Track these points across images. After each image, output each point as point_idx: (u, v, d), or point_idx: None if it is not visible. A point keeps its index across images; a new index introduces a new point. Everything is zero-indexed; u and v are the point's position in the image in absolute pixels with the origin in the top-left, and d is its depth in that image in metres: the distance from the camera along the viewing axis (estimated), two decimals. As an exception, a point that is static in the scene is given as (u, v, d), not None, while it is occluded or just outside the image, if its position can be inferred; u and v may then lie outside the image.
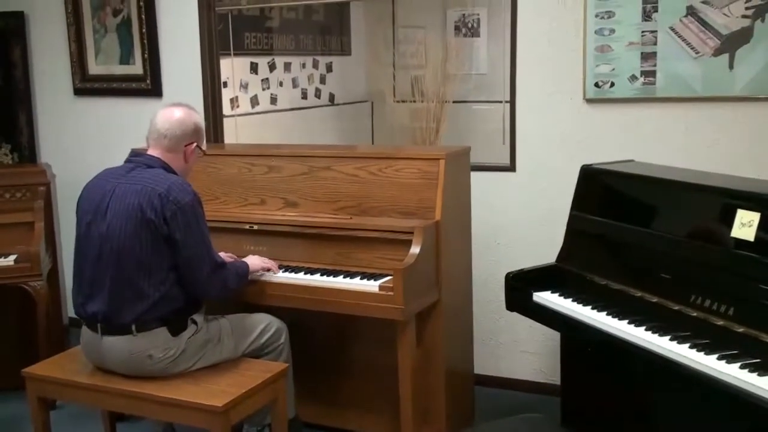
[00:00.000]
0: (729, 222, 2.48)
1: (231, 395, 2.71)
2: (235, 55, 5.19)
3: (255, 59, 5.53)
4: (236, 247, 3.32)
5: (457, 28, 6.19)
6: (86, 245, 2.87)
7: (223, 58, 4.77)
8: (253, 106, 5.50)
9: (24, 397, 3.03)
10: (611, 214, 2.95)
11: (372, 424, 3.44)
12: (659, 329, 2.52)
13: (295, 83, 5.98)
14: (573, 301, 2.88)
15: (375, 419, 3.43)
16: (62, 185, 4.40)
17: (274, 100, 5.73)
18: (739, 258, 2.43)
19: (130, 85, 4.70)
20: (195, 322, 2.90)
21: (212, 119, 4.55)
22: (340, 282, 3.06)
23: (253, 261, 3.14)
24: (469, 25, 6.15)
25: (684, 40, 3.38)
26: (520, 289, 3.08)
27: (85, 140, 4.87)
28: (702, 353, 2.34)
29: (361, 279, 3.04)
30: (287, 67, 5.88)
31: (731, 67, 3.32)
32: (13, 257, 3.87)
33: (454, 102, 5.70)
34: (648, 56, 3.46)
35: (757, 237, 2.39)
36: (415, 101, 5.81)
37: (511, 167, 3.83)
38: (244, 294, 3.15)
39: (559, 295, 2.94)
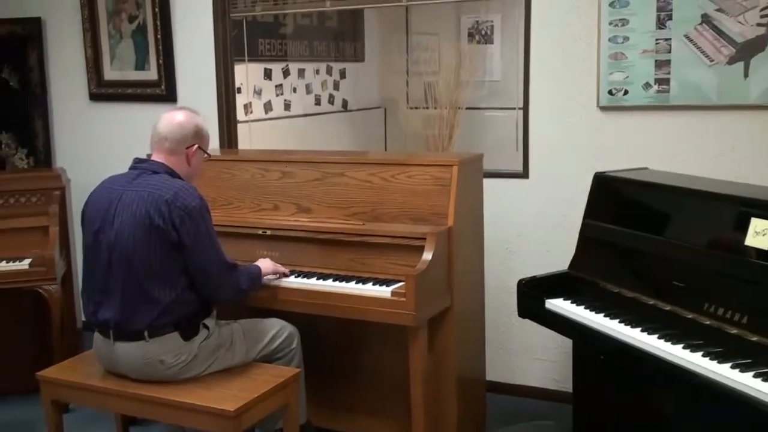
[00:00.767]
0: (743, 230, 2.47)
1: (243, 400, 2.72)
2: (250, 61, 5.22)
3: (269, 65, 5.56)
4: (249, 252, 3.33)
5: (470, 35, 6.21)
6: (95, 253, 2.88)
7: (238, 64, 4.79)
8: (266, 112, 5.52)
9: (38, 400, 3.05)
10: (625, 222, 2.94)
11: (383, 430, 3.44)
12: (672, 337, 2.51)
13: (308, 89, 6.01)
14: (586, 308, 2.87)
15: (386, 425, 3.42)
16: (77, 190, 4.42)
17: (287, 106, 5.75)
18: (753, 266, 2.41)
19: (144, 90, 4.73)
20: (207, 327, 2.91)
21: (226, 125, 4.57)
22: (352, 288, 3.06)
23: (265, 264, 3.14)
24: (483, 32, 6.16)
25: (698, 48, 3.38)
26: (532, 296, 3.08)
27: (100, 145, 4.90)
28: (715, 362, 2.33)
29: (373, 285, 3.04)
30: (301, 73, 5.90)
31: (746, 75, 3.31)
32: (27, 261, 3.89)
33: (467, 109, 5.71)
34: (662, 64, 3.45)
35: (771, 245, 2.38)
36: (428, 108, 5.83)
37: (524, 174, 3.83)
38: (256, 299, 3.16)
39: (572, 303, 2.94)
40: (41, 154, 5.03)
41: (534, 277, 3.15)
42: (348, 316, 3.06)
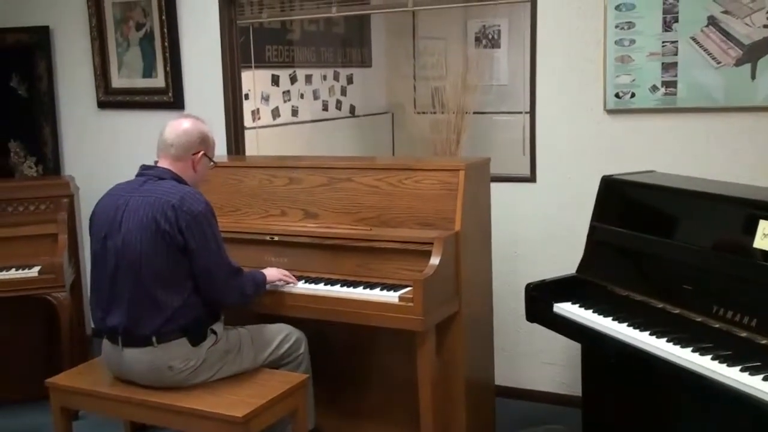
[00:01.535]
0: (751, 233, 2.46)
1: (251, 406, 2.72)
2: (257, 67, 5.24)
3: (276, 71, 5.57)
4: (257, 258, 3.33)
5: (477, 39, 6.21)
6: (102, 260, 2.89)
7: (245, 70, 4.81)
8: (274, 118, 5.54)
9: (47, 407, 3.05)
10: (632, 225, 2.93)
11: (392, 436, 3.44)
12: (681, 341, 2.49)
13: (316, 95, 6.02)
14: (594, 312, 2.86)
15: (395, 430, 3.42)
16: (85, 197, 4.44)
17: (295, 112, 5.77)
18: (762, 269, 2.40)
19: (152, 98, 4.75)
20: (215, 333, 2.92)
21: (233, 131, 4.59)
22: (360, 293, 3.06)
23: (271, 272, 3.15)
24: (490, 36, 6.16)
25: (705, 50, 3.37)
26: (540, 300, 3.07)
27: (108, 153, 4.92)
28: (725, 365, 2.31)
29: (381, 290, 3.04)
30: (308, 79, 5.91)
31: (753, 77, 3.30)
32: (37, 268, 3.91)
33: (474, 113, 5.71)
34: (669, 66, 3.45)
35: (780, 248, 2.37)
36: (435, 112, 5.83)
37: (532, 178, 3.82)
38: (264, 305, 3.16)
39: (580, 306, 2.93)
40: (50, 162, 5.06)
41: (542, 280, 3.14)
42: (356, 321, 3.06)
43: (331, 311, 3.08)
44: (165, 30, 4.60)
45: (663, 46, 3.45)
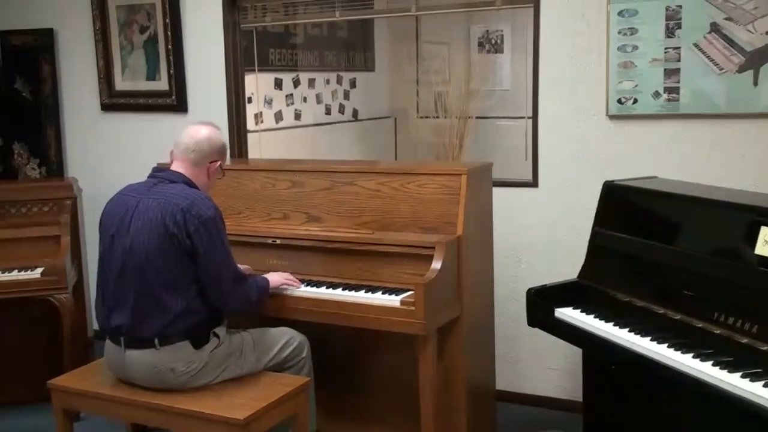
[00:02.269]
0: (753, 239, 2.46)
1: (253, 408, 2.73)
2: (260, 71, 5.25)
3: (279, 75, 5.59)
4: (259, 261, 3.34)
5: (480, 45, 6.23)
6: (109, 259, 2.91)
7: (248, 74, 4.82)
8: (277, 122, 5.55)
9: (49, 408, 3.06)
10: (634, 231, 2.94)
11: (393, 440, 3.44)
12: (682, 346, 2.49)
13: (319, 99, 6.03)
14: (595, 317, 2.86)
15: (396, 434, 3.43)
16: (88, 199, 4.45)
17: (298, 115, 5.78)
18: (763, 275, 2.40)
19: (156, 100, 4.76)
20: (217, 336, 2.93)
21: (236, 134, 4.60)
22: (361, 297, 3.07)
23: (274, 278, 3.16)
24: (493, 42, 6.18)
25: (708, 56, 3.37)
26: (541, 305, 3.07)
27: (112, 155, 4.93)
28: (725, 371, 2.31)
29: (382, 294, 3.05)
30: (311, 83, 5.93)
31: (756, 83, 3.31)
32: (39, 270, 3.92)
33: (477, 118, 5.72)
34: (671, 73, 3.45)
35: (781, 254, 2.38)
36: (438, 117, 5.85)
37: (534, 183, 3.83)
38: (266, 308, 3.17)
39: (581, 312, 2.93)
40: (53, 164, 5.07)
41: (543, 285, 3.14)
42: (357, 325, 3.06)
43: (332, 315, 3.08)
44: (169, 33, 4.61)
45: (666, 53, 3.45)
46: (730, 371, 2.31)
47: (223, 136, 3.11)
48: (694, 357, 2.43)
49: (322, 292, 3.14)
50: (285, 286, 3.17)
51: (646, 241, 2.84)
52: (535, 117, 3.80)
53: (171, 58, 4.63)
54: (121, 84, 4.88)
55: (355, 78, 6.43)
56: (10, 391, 4.13)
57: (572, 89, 3.67)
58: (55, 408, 3.04)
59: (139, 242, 2.81)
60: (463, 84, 5.70)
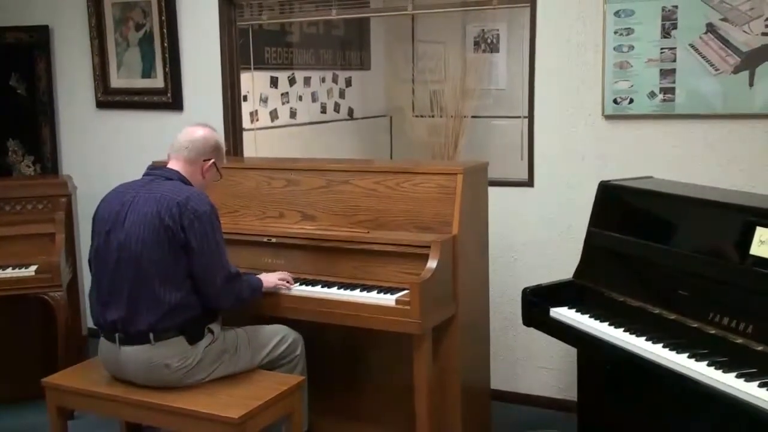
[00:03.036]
0: (748, 239, 2.46)
1: (247, 407, 2.72)
2: (256, 69, 5.24)
3: (275, 73, 5.58)
4: (254, 260, 3.34)
5: (476, 44, 6.22)
6: (105, 254, 2.91)
7: (244, 72, 4.81)
8: (272, 120, 5.54)
9: (43, 406, 3.05)
10: (629, 231, 2.94)
11: (387, 439, 3.44)
12: (677, 346, 2.50)
13: (314, 97, 6.02)
14: (590, 317, 2.86)
15: (390, 433, 3.42)
16: (83, 197, 4.44)
17: (293, 114, 5.77)
18: (758, 276, 2.41)
19: (151, 98, 4.75)
20: (212, 332, 2.93)
21: (232, 133, 4.59)
22: (356, 295, 3.06)
23: (268, 279, 3.15)
24: (489, 41, 6.17)
25: (704, 57, 3.38)
26: (537, 305, 3.08)
27: (107, 153, 4.92)
28: (720, 371, 2.32)
29: (378, 293, 3.05)
30: (307, 81, 5.92)
31: (751, 84, 3.31)
32: (33, 268, 3.91)
33: (472, 117, 5.72)
34: (667, 73, 3.46)
35: (776, 255, 2.38)
36: (433, 116, 5.85)
37: (529, 182, 3.83)
38: (261, 306, 3.17)
39: (576, 311, 2.93)
40: (48, 161, 5.05)
41: (539, 285, 3.14)
42: (352, 324, 3.06)
43: (327, 313, 3.08)
44: (164, 30, 4.60)
45: (661, 53, 3.46)
46: (725, 371, 2.31)
47: (219, 134, 3.11)
48: (689, 357, 2.43)
49: (317, 291, 3.14)
50: (279, 287, 3.17)
51: (641, 241, 2.85)
52: (530, 116, 3.80)
53: (166, 55, 4.62)
54: (116, 81, 4.86)
55: (350, 77, 6.42)
56: (4, 389, 4.12)
57: (568, 89, 3.67)
58: (49, 406, 3.03)
59: (134, 235, 2.82)
60: (458, 83, 5.70)
